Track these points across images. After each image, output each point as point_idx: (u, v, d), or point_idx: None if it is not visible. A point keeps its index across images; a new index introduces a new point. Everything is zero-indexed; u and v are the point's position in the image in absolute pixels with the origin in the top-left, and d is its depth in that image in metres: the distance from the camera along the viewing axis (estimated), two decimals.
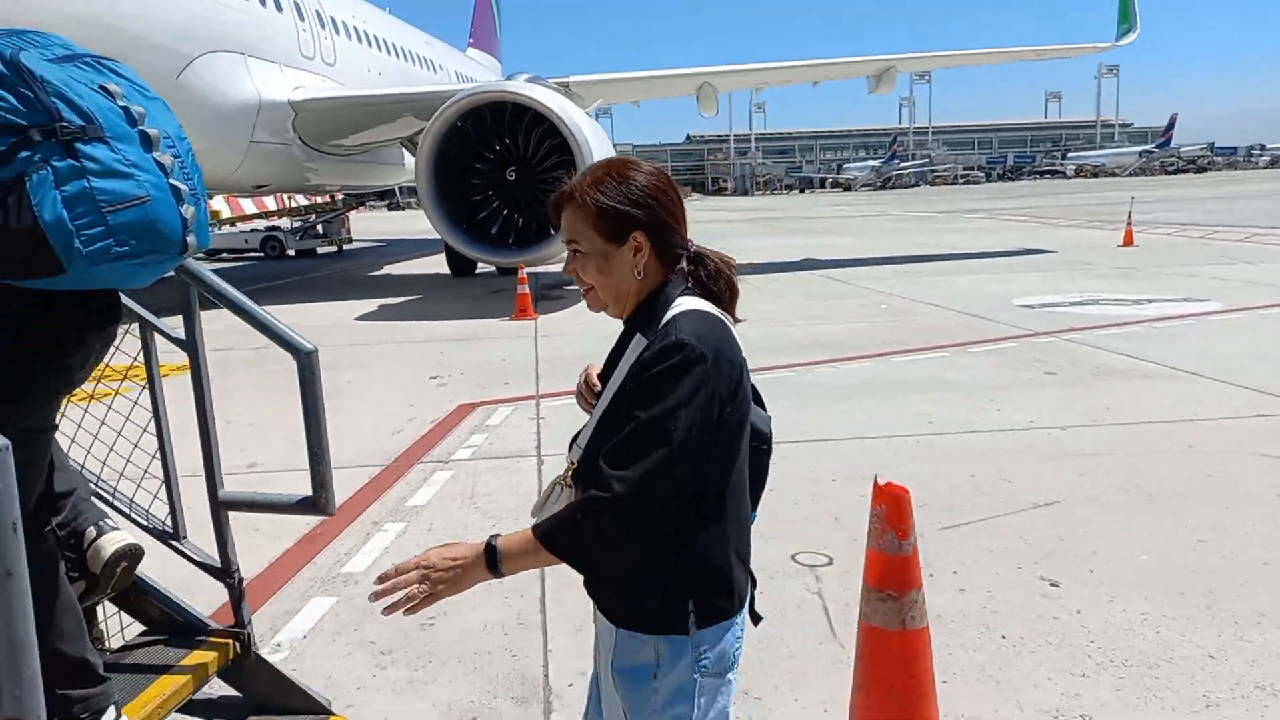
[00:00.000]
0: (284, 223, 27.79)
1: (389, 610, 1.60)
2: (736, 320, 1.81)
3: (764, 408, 1.95)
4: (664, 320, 1.70)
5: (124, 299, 2.66)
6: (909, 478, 2.53)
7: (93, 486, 2.62)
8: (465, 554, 1.64)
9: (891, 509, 2.40)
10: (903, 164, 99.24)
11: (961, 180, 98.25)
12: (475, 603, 3.63)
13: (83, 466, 2.61)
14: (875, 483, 2.42)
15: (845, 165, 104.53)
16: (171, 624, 2.63)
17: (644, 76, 20.76)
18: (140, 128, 1.91)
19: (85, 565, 2.38)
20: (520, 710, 3.06)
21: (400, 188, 23.34)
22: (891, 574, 2.40)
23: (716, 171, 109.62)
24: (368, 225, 33.58)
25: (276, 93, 14.79)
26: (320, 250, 27.59)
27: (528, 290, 12.34)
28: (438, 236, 15.03)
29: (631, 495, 1.57)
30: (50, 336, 2.01)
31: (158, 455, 2.61)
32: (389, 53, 21.12)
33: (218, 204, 24.06)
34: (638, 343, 1.72)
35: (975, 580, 3.89)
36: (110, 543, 2.37)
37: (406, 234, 33.99)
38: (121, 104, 1.90)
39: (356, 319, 12.52)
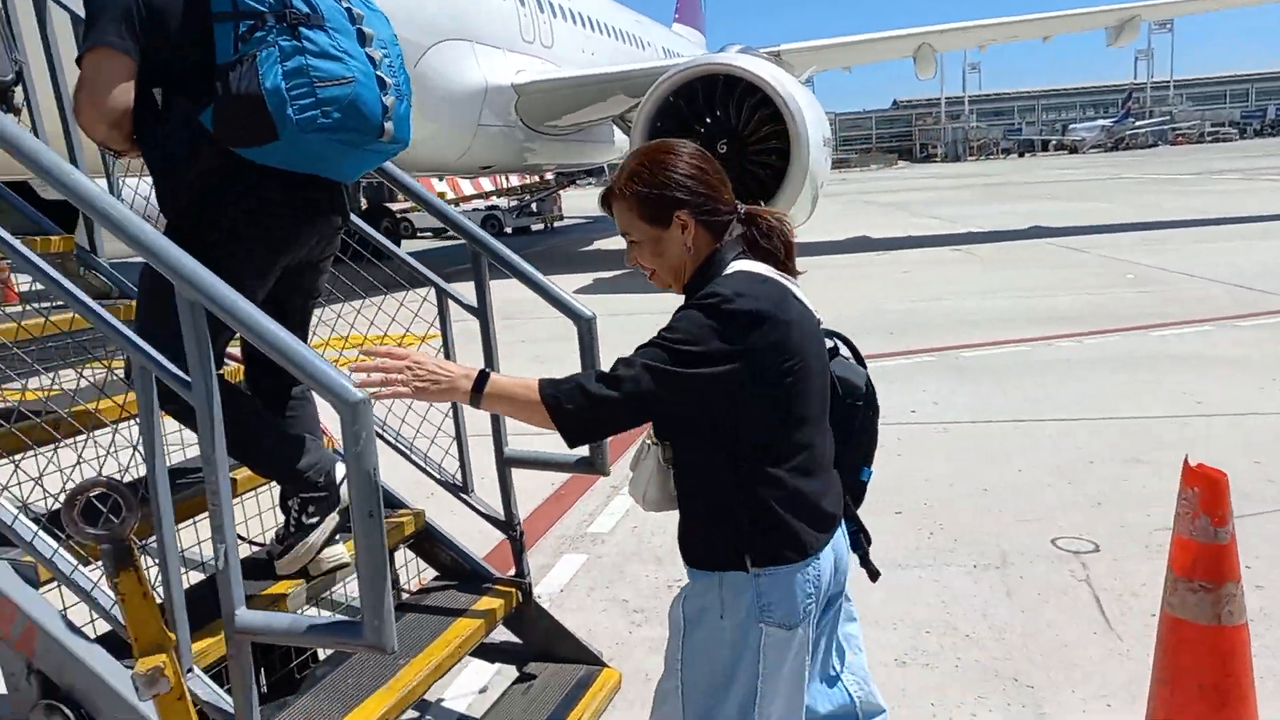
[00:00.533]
0: (501, 202, 29.22)
1: (362, 385, 1.69)
2: (796, 274, 1.90)
3: (863, 365, 2.04)
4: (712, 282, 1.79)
5: (422, 269, 2.89)
6: (1178, 463, 2.30)
7: (390, 440, 2.85)
8: (454, 371, 1.78)
9: (1207, 492, 2.19)
10: (1138, 122, 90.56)
11: (1209, 138, 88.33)
12: None
13: (383, 423, 2.85)
14: (1186, 464, 2.22)
15: (1071, 126, 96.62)
16: (460, 571, 2.84)
17: (858, 40, 20.06)
18: (359, 26, 2.24)
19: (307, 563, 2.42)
20: None
21: (609, 165, 23.85)
22: (1205, 563, 2.20)
23: (925, 137, 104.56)
24: (578, 203, 34.71)
25: (501, 77, 15.51)
26: (534, 228, 28.82)
27: None
28: None
29: (627, 386, 1.69)
30: (270, 218, 2.25)
31: (450, 414, 2.81)
32: (601, 32, 21.61)
33: (442, 186, 25.66)
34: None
35: (1274, 576, 3.51)
36: (332, 557, 2.43)
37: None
38: (345, 5, 2.23)
39: (575, 292, 12.97)
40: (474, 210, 28.46)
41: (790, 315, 1.76)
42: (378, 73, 2.23)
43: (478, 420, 2.77)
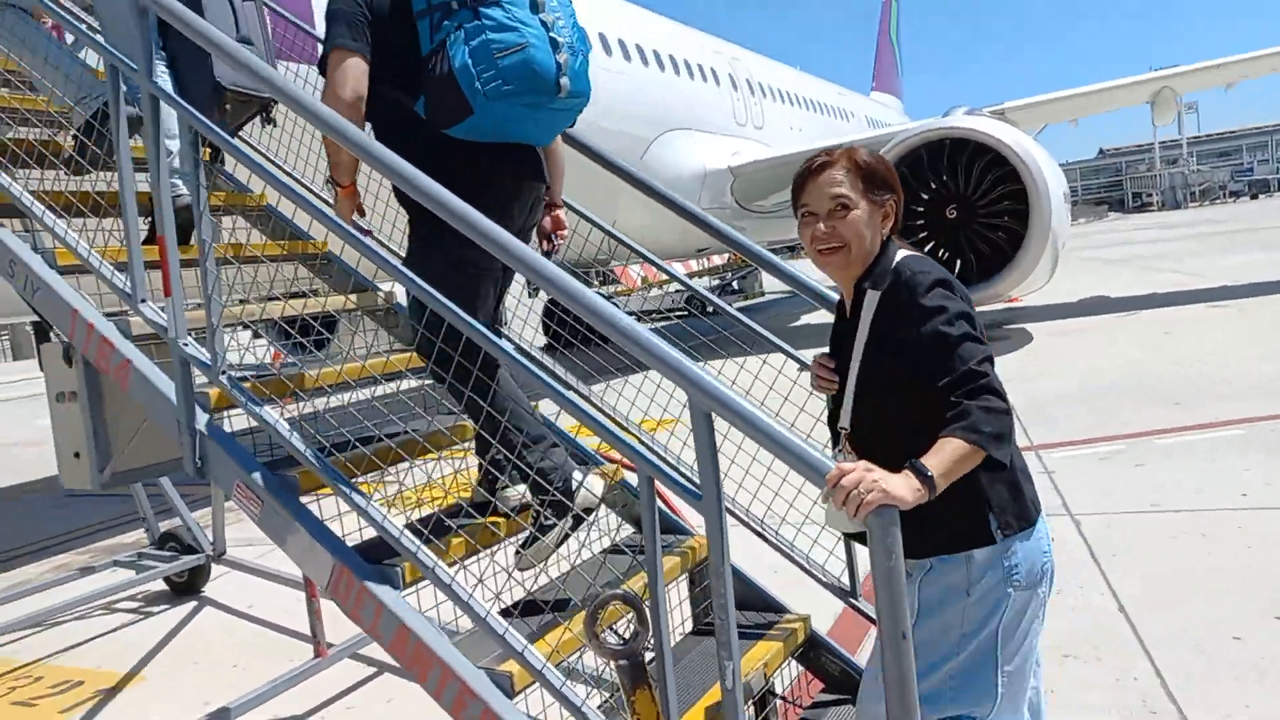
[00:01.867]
0: (703, 281, 29.70)
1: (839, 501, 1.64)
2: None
3: None
4: (891, 267, 1.97)
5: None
6: None
7: (772, 539, 2.82)
8: (894, 478, 1.67)
9: None
10: None
11: None
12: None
13: (762, 523, 2.83)
14: None
15: None
16: (853, 684, 2.73)
17: (1089, 91, 19.07)
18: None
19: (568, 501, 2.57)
20: None
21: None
22: None
23: (1138, 185, 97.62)
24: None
25: (718, 161, 15.92)
26: (736, 305, 29.03)
27: None
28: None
29: (998, 387, 1.82)
30: (478, 183, 2.51)
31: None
32: (807, 108, 21.84)
33: (635, 271, 26.41)
34: (871, 298, 1.98)
35: None
36: (595, 485, 2.65)
37: (816, 282, 34.41)
38: None
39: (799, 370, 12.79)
40: (676, 291, 29.04)
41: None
42: (550, 34, 2.54)
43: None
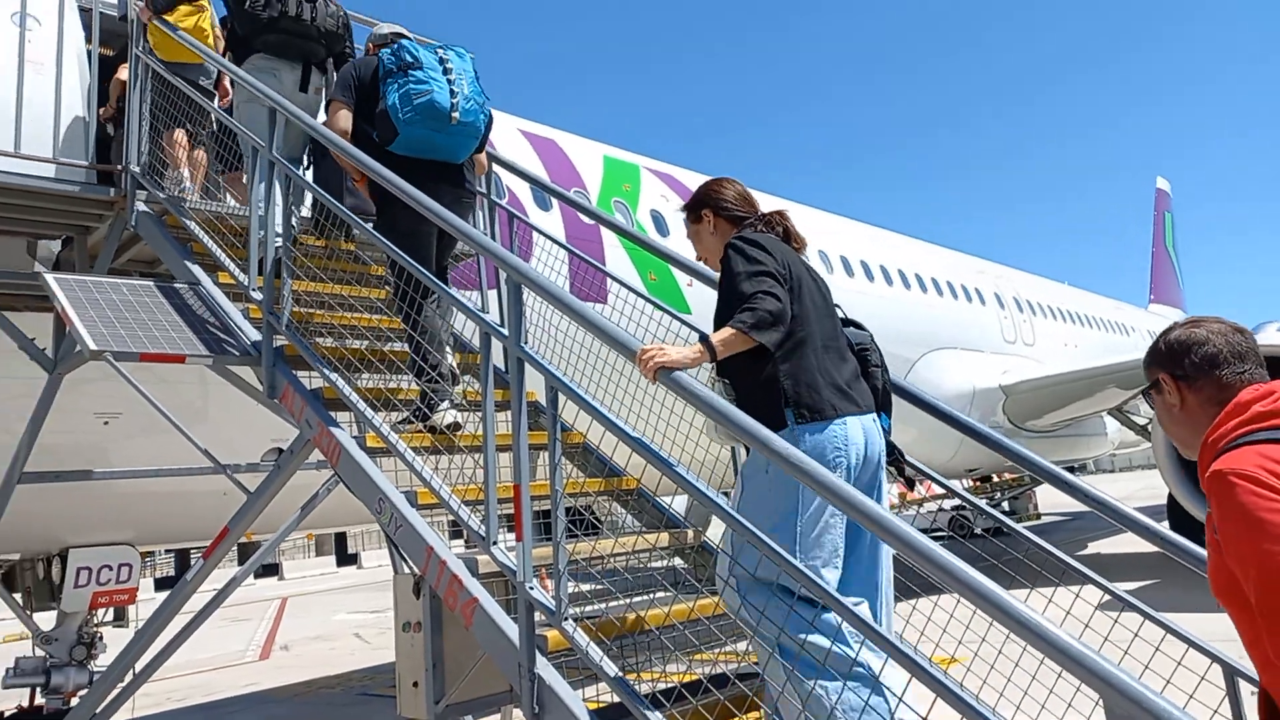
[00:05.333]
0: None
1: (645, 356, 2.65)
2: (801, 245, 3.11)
3: (863, 329, 3.12)
4: None
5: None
6: None
7: None
8: (679, 350, 2.64)
9: None
10: None
11: None
12: None
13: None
14: None
15: None
16: None
17: None
18: (445, 64, 4.20)
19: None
20: None
21: (1094, 460, 21.96)
22: None
23: None
24: (1055, 496, 32.05)
25: (987, 380, 15.38)
26: (1007, 527, 26.89)
27: None
28: (1139, 507, 13.41)
29: (757, 303, 2.70)
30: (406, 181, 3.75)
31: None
32: (1081, 324, 20.87)
33: (891, 493, 25.27)
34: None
35: None
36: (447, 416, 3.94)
37: (1117, 501, 31.25)
38: (440, 56, 4.23)
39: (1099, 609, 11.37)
40: (939, 510, 27.48)
41: (779, 252, 2.87)
42: (451, 86, 4.15)
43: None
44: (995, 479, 27.20)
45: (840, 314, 3.03)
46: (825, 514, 2.54)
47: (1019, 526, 3.59)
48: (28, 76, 4.80)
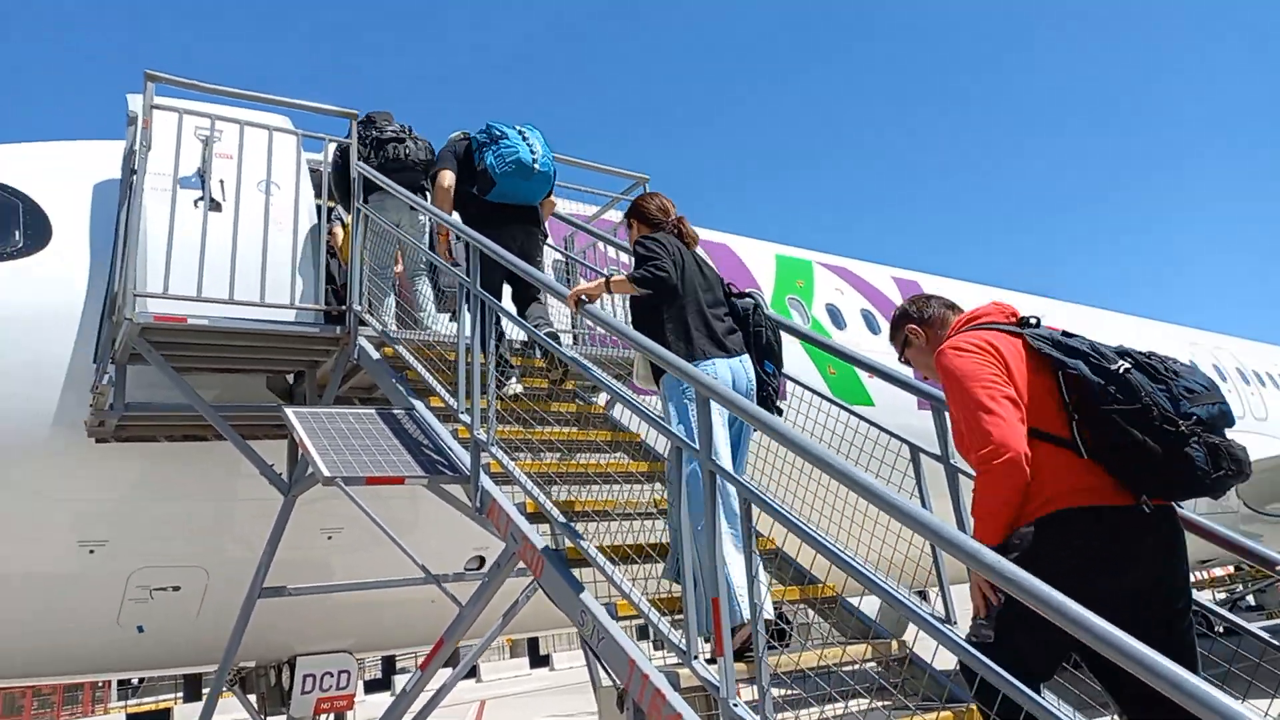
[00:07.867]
0: (1203, 594, 25.13)
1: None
2: (694, 241, 4.57)
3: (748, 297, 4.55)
4: None
5: None
6: None
7: None
8: (584, 284, 4.35)
9: None
10: None
11: None
12: None
13: None
14: None
15: None
16: None
17: None
18: (523, 134, 5.58)
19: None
20: None
21: None
22: None
23: None
24: None
25: None
26: (1258, 625, 23.89)
27: None
28: None
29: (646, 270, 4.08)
30: (499, 222, 5.46)
31: None
32: None
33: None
34: None
35: None
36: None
37: None
38: (520, 131, 5.59)
39: None
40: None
41: (670, 244, 4.25)
42: (530, 148, 5.50)
43: None
44: (1246, 568, 24.39)
45: (734, 290, 4.38)
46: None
47: (1254, 627, 3.20)
48: (270, 234, 5.49)
